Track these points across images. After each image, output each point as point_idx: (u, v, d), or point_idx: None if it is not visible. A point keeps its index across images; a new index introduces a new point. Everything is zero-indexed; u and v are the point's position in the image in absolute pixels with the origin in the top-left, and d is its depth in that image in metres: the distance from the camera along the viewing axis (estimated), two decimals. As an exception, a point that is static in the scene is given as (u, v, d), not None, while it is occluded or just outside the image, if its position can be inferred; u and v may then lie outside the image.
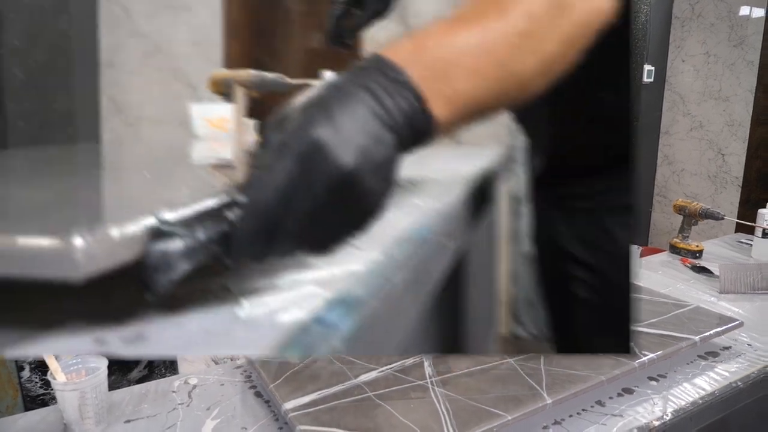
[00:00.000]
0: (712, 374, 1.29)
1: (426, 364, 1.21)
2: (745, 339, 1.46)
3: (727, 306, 1.69)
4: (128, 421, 1.14)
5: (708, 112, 3.68)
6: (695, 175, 3.79)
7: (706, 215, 2.09)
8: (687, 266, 2.04)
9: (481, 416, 1.00)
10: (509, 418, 1.00)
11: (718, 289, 1.80)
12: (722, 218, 2.03)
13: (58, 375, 1.11)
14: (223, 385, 1.28)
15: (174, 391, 1.25)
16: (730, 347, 1.42)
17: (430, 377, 1.16)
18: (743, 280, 1.76)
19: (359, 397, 1.09)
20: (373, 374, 1.18)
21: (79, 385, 1.09)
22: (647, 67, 3.66)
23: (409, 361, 1.22)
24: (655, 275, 1.97)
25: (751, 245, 2.18)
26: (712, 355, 1.37)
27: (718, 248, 2.28)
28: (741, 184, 3.56)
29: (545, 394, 1.07)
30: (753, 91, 3.44)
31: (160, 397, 1.23)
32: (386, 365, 1.21)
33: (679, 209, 2.19)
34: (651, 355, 1.23)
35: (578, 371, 1.15)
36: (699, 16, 3.64)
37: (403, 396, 1.08)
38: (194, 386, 1.27)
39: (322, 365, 1.22)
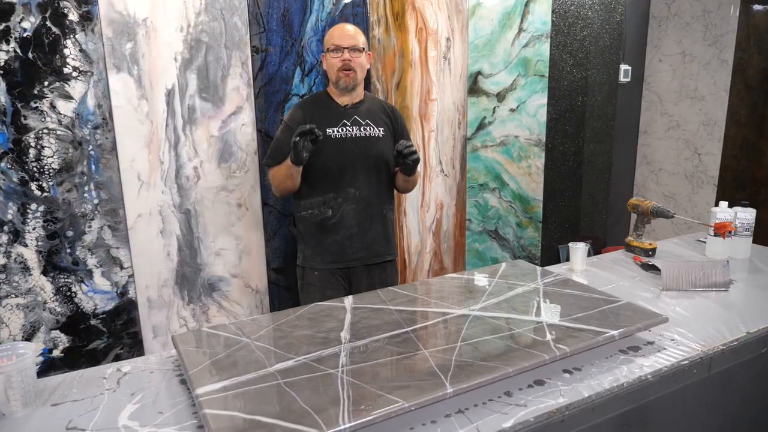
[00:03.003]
0: (627, 368, 1.29)
1: (342, 354, 1.24)
2: (672, 335, 1.46)
3: (666, 302, 1.69)
4: (55, 405, 1.18)
5: (684, 112, 3.66)
6: (673, 175, 3.77)
7: (657, 213, 2.09)
8: (638, 264, 2.04)
9: (380, 403, 1.04)
10: (405, 405, 1.03)
11: (661, 287, 1.80)
12: (672, 216, 2.05)
13: (-14, 359, 1.15)
14: (152, 373, 1.32)
15: (104, 378, 1.30)
16: (653, 342, 1.42)
17: (342, 366, 1.19)
18: (685, 278, 1.77)
19: (269, 384, 1.12)
20: (289, 363, 1.21)
21: (5, 369, 1.12)
22: (624, 67, 3.65)
23: (327, 351, 1.26)
24: (603, 273, 1.97)
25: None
26: (633, 349, 1.38)
27: (675, 247, 2.30)
28: (717, 184, 3.55)
29: (448, 384, 1.09)
30: (727, 90, 3.43)
31: (90, 383, 1.27)
32: (304, 355, 1.24)
33: (633, 208, 2.18)
34: (564, 348, 1.24)
35: (489, 363, 1.18)
36: (675, 15, 3.63)
37: (310, 383, 1.12)
38: (125, 373, 1.32)
39: (243, 354, 1.26)
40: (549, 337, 1.29)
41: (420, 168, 2.90)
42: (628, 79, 3.65)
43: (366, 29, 2.56)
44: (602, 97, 3.46)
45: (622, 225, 3.83)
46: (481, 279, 1.73)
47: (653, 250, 2.08)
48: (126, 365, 1.33)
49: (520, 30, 3.00)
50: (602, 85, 3.45)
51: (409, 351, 1.24)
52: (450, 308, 1.48)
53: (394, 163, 2.15)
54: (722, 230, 1.87)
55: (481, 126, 3.07)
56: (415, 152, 1.97)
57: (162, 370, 1.30)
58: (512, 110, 3.08)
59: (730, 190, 3.44)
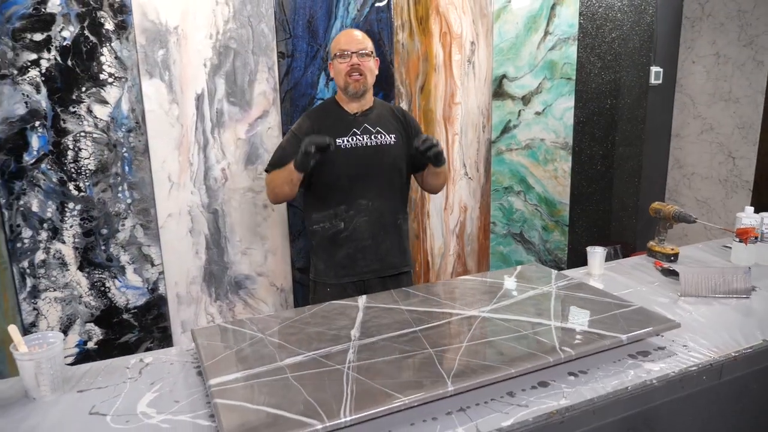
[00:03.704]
0: (634, 372, 1.28)
1: (350, 351, 1.29)
2: (684, 340, 1.45)
3: (683, 308, 1.67)
4: (81, 391, 1.26)
5: (718, 115, 3.57)
6: (706, 179, 3.68)
7: (679, 218, 2.06)
8: (658, 269, 2.02)
9: (380, 399, 1.07)
10: (405, 401, 1.07)
11: (679, 293, 1.78)
12: (694, 221, 2.02)
13: (20, 347, 1.23)
14: (172, 364, 1.39)
15: (128, 367, 1.37)
16: (664, 347, 1.41)
17: (349, 362, 1.23)
18: (704, 284, 1.75)
19: (278, 377, 1.18)
20: (298, 358, 1.26)
21: (35, 356, 1.21)
22: (655, 69, 3.59)
23: (336, 348, 1.30)
24: (621, 277, 1.95)
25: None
26: (643, 354, 1.37)
27: (699, 252, 2.24)
28: (752, 189, 3.45)
29: (449, 382, 1.13)
30: (763, 92, 3.33)
31: (115, 372, 1.35)
32: (314, 351, 1.29)
33: (655, 212, 2.15)
34: (569, 351, 1.26)
35: (492, 363, 1.20)
36: (709, 15, 3.54)
37: (317, 378, 1.17)
38: (147, 364, 1.39)
39: (257, 348, 1.32)
40: (555, 339, 1.30)
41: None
42: (660, 81, 3.58)
43: (390, 34, 2.60)
44: (632, 100, 3.41)
45: (653, 229, 3.75)
46: (494, 281, 1.74)
47: (675, 255, 2.05)
48: (149, 356, 1.41)
49: (546, 33, 2.99)
50: (632, 88, 3.40)
51: (415, 350, 1.27)
52: (461, 309, 1.51)
53: (407, 170, 2.12)
54: (744, 236, 1.84)
55: (506, 129, 3.07)
56: (434, 145, 1.87)
57: (181, 362, 1.37)
58: (538, 113, 3.08)
59: (766, 196, 3.34)
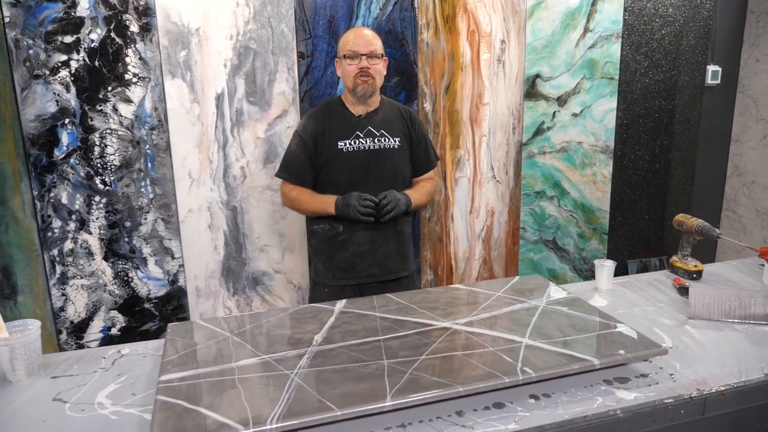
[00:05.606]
0: (602, 399, 1.19)
1: (305, 356, 1.28)
2: (672, 369, 1.33)
3: (688, 332, 1.54)
4: (54, 377, 1.33)
5: (784, 119, 3.26)
6: (768, 188, 3.38)
7: (702, 233, 1.90)
8: (675, 287, 1.88)
9: (315, 408, 1.06)
10: (338, 413, 1.05)
11: (688, 314, 1.64)
12: (718, 237, 1.85)
13: (1, 332, 1.30)
14: (145, 357, 1.43)
15: (104, 358, 1.43)
16: (647, 375, 1.30)
17: (299, 368, 1.22)
18: (717, 307, 1.60)
19: (225, 378, 1.19)
20: (252, 360, 1.27)
21: (10, 342, 1.28)
22: (712, 68, 3.31)
23: (293, 352, 1.30)
24: (630, 294, 1.83)
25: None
26: (621, 380, 1.27)
27: (730, 270, 2.05)
28: (819, 201, 3.12)
29: (388, 396, 1.10)
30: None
31: (91, 361, 1.40)
32: (271, 353, 1.29)
33: (678, 225, 1.99)
34: (529, 373, 1.19)
35: (442, 380, 1.16)
36: (777, 10, 3.24)
37: (261, 382, 1.17)
38: (122, 355, 1.44)
39: (219, 348, 1.34)
40: (520, 359, 1.23)
41: (470, 173, 2.85)
42: (717, 82, 3.30)
43: (414, 33, 2.56)
44: (685, 101, 3.17)
45: (707, 241, 3.48)
46: (483, 291, 1.68)
47: (698, 272, 1.90)
48: (126, 348, 1.47)
49: (586, 30, 2.83)
50: (685, 88, 3.16)
51: (370, 360, 1.24)
52: (434, 320, 1.46)
53: (410, 173, 2.10)
54: (767, 256, 1.66)
55: (539, 131, 2.95)
56: (385, 207, 1.92)
57: (154, 356, 1.42)
58: (575, 115, 2.93)
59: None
